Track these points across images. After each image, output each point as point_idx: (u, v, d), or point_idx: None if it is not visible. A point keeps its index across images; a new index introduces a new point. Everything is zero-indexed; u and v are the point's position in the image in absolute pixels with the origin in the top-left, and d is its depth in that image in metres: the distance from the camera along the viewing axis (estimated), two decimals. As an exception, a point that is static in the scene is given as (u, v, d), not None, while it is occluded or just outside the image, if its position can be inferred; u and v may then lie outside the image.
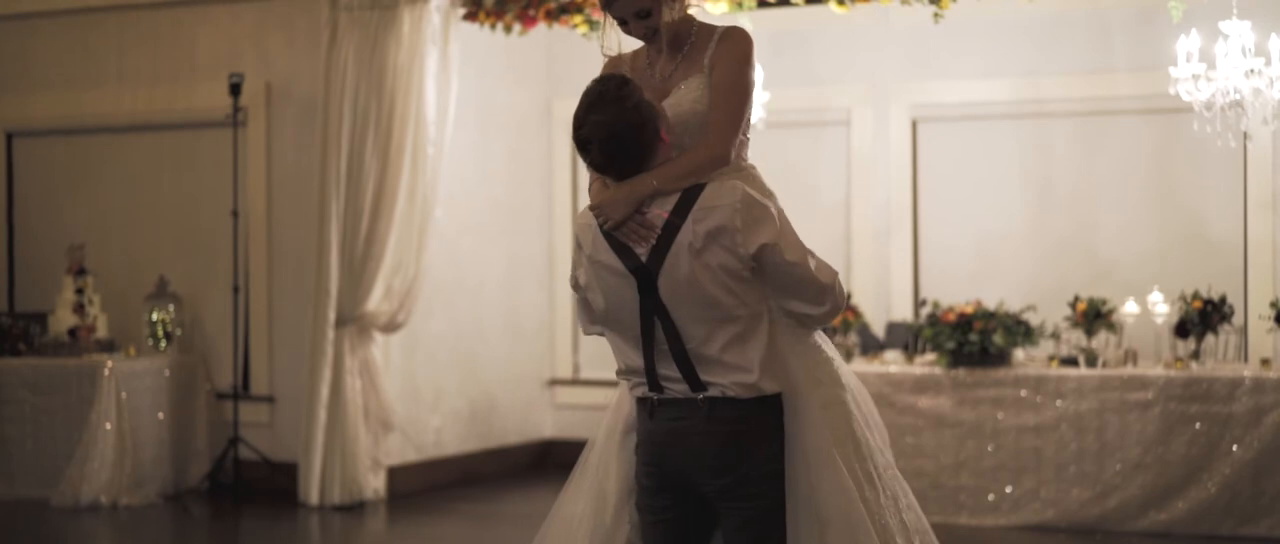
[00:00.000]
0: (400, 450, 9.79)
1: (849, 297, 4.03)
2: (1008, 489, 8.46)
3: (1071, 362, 8.62)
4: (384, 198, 9.23)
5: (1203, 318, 8.50)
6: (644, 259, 3.93)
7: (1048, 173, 10.04)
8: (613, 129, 3.89)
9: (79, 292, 9.90)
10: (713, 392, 3.94)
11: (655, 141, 3.93)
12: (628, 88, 3.92)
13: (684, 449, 4.01)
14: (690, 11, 4.22)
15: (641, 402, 4.09)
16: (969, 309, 8.73)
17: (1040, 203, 10.05)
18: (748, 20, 8.58)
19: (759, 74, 7.34)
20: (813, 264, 3.91)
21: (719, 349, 3.91)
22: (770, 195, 4.10)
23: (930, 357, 8.86)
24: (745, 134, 4.15)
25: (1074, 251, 9.91)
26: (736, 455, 3.95)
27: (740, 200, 3.87)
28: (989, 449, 8.51)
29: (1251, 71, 7.98)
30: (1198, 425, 8.19)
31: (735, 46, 4.11)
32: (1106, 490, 8.31)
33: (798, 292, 3.91)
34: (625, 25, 4.17)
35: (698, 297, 3.89)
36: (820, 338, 4.11)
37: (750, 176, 4.12)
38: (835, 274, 3.96)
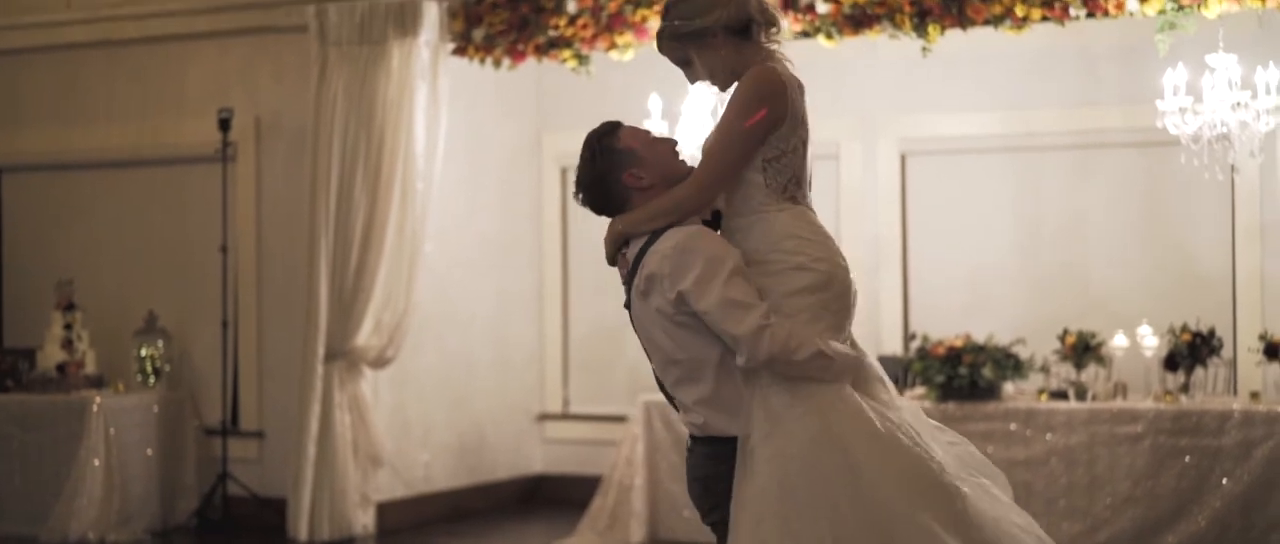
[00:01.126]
0: (389, 486, 9.76)
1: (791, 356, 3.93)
2: (998, 523, 8.44)
3: (1061, 395, 8.61)
4: (373, 232, 9.22)
5: (1192, 351, 8.50)
6: (628, 297, 4.13)
7: (1036, 206, 10.06)
8: (581, 178, 4.17)
9: (68, 327, 9.88)
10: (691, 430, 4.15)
11: (619, 188, 4.09)
12: (598, 137, 4.12)
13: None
14: (771, 47, 4.18)
15: None
16: (958, 343, 8.73)
17: (1029, 236, 10.06)
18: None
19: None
20: (736, 315, 3.91)
21: (673, 386, 4.11)
22: (797, 239, 4.04)
23: (920, 390, 8.85)
24: (769, 174, 4.06)
25: (1063, 285, 9.92)
26: (701, 492, 4.14)
27: (672, 247, 3.97)
28: (979, 483, 8.49)
29: (1238, 105, 8.01)
30: (1187, 459, 8.18)
31: (740, 88, 4.11)
32: (1096, 524, 8.29)
33: (724, 339, 3.99)
34: None
35: (647, 337, 4.10)
36: (867, 389, 4.06)
37: (768, 220, 4.07)
38: (759, 329, 3.90)
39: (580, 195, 4.18)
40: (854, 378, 4.07)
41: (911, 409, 4.15)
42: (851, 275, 4.15)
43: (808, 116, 4.16)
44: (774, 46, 4.19)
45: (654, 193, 4.07)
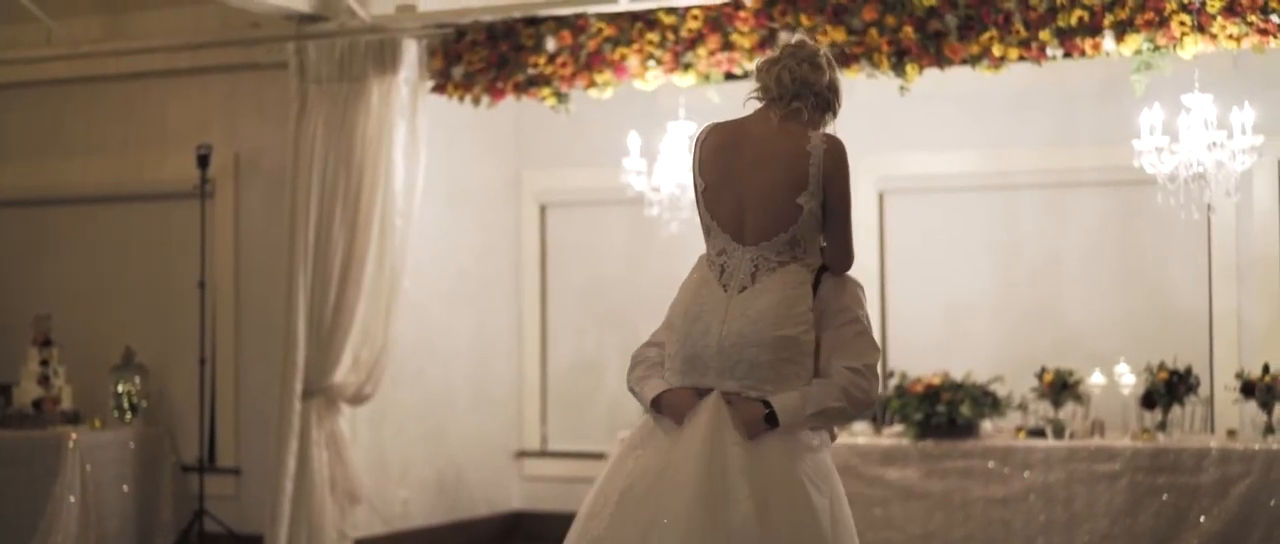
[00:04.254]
0: (367, 523, 9.72)
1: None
2: (976, 561, 8.46)
3: (1039, 433, 8.63)
4: (352, 269, 9.21)
5: (1169, 389, 8.53)
6: None
7: (1014, 244, 10.09)
8: None
9: (44, 363, 9.83)
10: None
11: None
12: None
13: None
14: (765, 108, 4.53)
15: None
16: (936, 380, 8.75)
17: (1006, 274, 10.09)
18: (715, 94, 8.62)
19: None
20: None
21: None
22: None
23: (898, 428, 8.86)
24: (708, 229, 4.35)
25: (1041, 322, 9.94)
26: None
27: None
28: (957, 521, 8.51)
29: (1214, 144, 8.07)
30: (1165, 497, 8.20)
31: None
32: (1075, 562, 8.30)
33: None
34: None
35: None
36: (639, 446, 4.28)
37: None
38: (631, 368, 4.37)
39: None
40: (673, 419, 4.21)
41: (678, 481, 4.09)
42: (694, 327, 4.22)
43: (723, 169, 4.33)
44: (765, 106, 4.53)
45: None
